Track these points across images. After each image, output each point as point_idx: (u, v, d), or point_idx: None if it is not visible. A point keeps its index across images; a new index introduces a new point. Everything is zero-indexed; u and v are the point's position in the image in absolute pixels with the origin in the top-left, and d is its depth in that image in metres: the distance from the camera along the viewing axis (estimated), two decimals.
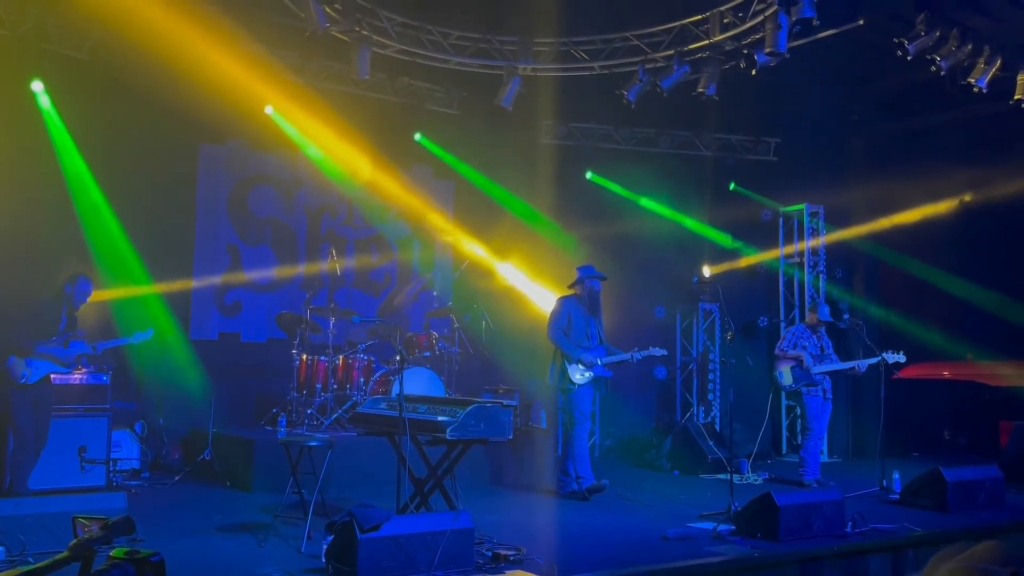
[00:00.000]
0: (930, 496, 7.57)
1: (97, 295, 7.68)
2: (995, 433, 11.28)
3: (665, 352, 8.53)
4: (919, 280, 11.89)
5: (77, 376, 7.53)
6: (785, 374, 8.90)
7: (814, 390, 8.85)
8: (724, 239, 11.98)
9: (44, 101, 8.84)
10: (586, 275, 8.29)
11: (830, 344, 9.10)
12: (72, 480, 7.30)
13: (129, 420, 8.44)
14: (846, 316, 10.27)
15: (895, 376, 8.91)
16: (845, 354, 9.50)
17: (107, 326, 8.46)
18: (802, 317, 11.59)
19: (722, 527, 6.47)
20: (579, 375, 8.02)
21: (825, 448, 11.31)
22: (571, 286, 8.38)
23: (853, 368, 8.84)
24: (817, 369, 8.80)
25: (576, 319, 8.15)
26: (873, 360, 8.69)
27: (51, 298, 7.14)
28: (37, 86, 8.79)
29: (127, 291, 9.07)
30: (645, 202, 11.88)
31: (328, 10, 8.24)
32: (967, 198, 11.36)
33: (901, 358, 8.60)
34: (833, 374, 8.97)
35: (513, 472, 8.93)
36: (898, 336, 11.03)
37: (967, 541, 2.49)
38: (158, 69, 8.51)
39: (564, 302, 8.29)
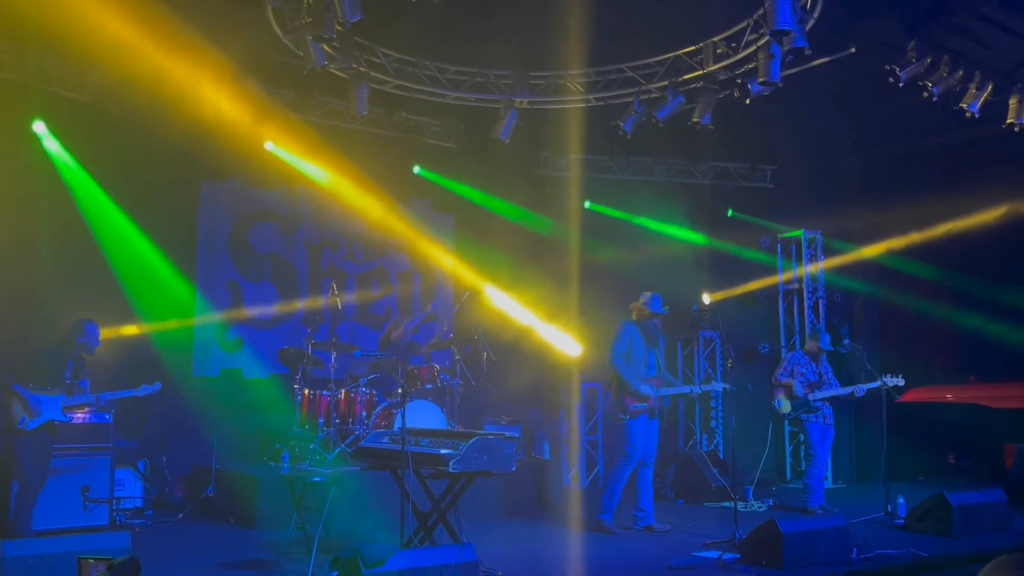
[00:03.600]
0: (935, 521, 7.54)
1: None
2: (1000, 455, 11.25)
3: (726, 386, 8.34)
4: (919, 303, 11.91)
5: (80, 415, 7.53)
6: (784, 402, 8.92)
7: (813, 416, 8.86)
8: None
9: (50, 142, 8.90)
10: (647, 305, 8.08)
11: (830, 369, 9.12)
12: (75, 520, 7.28)
13: (132, 458, 8.43)
14: (846, 341, 10.28)
15: (898, 400, 8.91)
16: (847, 379, 9.51)
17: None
18: (803, 343, 11.61)
19: (727, 555, 6.45)
20: (636, 408, 7.82)
21: (829, 474, 11.28)
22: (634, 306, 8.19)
23: (851, 393, 8.85)
24: (814, 396, 8.82)
25: (637, 345, 7.97)
26: (872, 385, 8.70)
27: (55, 346, 7.15)
28: (39, 127, 8.86)
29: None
30: (644, 222, 11.95)
31: (326, 48, 8.34)
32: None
33: (900, 381, 8.61)
34: (833, 399, 8.98)
35: (519, 503, 8.89)
36: (899, 360, 11.02)
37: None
38: (158, 108, 8.61)
39: (626, 327, 8.07)
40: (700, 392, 8.06)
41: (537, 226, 11.64)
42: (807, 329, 11.71)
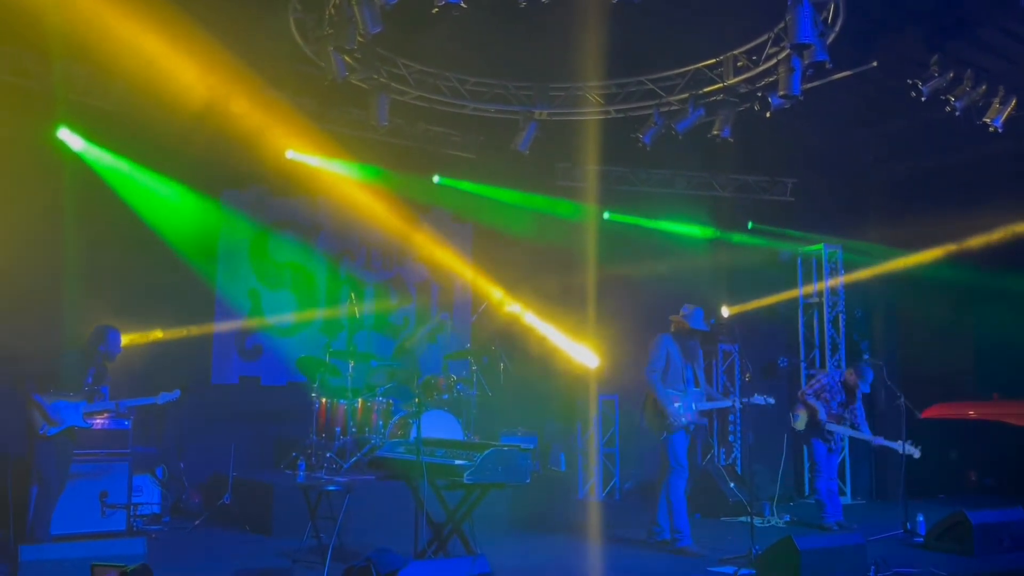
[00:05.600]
0: (955, 539, 7.44)
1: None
2: (1022, 473, 11.11)
3: (773, 401, 8.08)
4: (941, 318, 11.80)
5: (99, 421, 7.60)
6: (801, 418, 8.85)
7: (823, 439, 8.80)
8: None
9: (76, 143, 8.98)
10: (687, 319, 7.80)
11: (862, 413, 8.91)
12: (93, 525, 7.36)
13: (150, 464, 8.49)
14: (866, 356, 10.18)
15: (920, 416, 8.81)
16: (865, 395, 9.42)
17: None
18: (822, 358, 11.57)
19: (743, 571, 6.40)
20: (675, 424, 7.54)
21: (848, 490, 11.20)
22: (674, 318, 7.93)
23: (869, 441, 8.77)
24: (831, 427, 8.73)
25: (674, 359, 7.70)
26: (892, 444, 8.55)
27: (77, 352, 7.21)
28: (64, 133, 8.96)
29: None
30: (663, 224, 11.93)
31: (347, 59, 8.40)
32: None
33: (916, 453, 8.48)
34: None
35: (534, 515, 8.85)
36: (919, 375, 10.94)
37: None
38: (181, 117, 8.71)
39: (662, 340, 7.75)
40: (742, 406, 7.83)
41: (564, 213, 11.64)
42: (827, 344, 11.65)
